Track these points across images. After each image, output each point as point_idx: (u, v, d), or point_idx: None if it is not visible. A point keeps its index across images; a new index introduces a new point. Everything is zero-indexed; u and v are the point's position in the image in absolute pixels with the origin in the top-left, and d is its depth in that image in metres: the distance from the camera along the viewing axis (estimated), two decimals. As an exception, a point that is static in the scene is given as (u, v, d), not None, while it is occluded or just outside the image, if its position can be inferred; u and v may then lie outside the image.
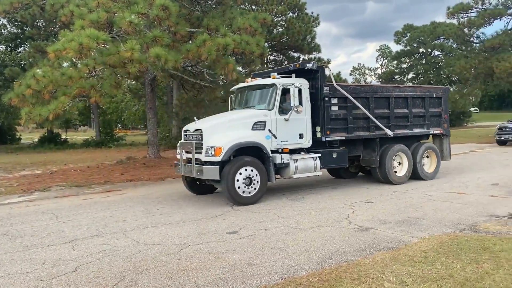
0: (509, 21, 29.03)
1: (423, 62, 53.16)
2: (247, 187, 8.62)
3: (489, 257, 4.89)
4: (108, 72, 13.47)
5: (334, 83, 9.98)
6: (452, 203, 8.26)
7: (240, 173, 8.53)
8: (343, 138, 10.17)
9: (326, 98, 9.80)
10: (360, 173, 12.66)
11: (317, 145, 9.88)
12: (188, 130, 9.50)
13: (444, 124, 12.19)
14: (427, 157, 11.82)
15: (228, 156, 8.47)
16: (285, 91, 9.36)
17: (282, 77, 9.69)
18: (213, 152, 8.43)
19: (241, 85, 10.57)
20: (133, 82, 28.83)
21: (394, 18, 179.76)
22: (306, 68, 9.72)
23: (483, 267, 4.57)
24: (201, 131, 8.85)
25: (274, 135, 9.15)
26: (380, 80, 67.20)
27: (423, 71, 52.57)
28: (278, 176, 9.51)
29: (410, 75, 55.73)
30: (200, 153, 8.74)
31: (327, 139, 9.83)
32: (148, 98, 17.33)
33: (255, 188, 8.72)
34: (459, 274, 4.40)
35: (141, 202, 9.52)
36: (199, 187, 10.10)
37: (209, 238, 6.20)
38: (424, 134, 11.89)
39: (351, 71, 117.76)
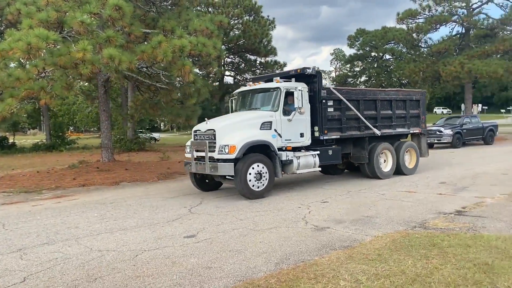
0: (454, 27, 30.72)
1: (375, 65, 54.86)
2: (257, 182, 9.39)
3: (438, 252, 5.11)
4: (59, 73, 12.96)
5: (331, 87, 11.05)
6: (403, 201, 8.58)
7: (252, 169, 9.28)
8: (338, 136, 11.17)
9: (324, 101, 10.76)
10: (345, 170, 13.67)
11: (315, 144, 10.79)
12: (199, 130, 10.18)
13: (422, 124, 13.40)
14: (408, 154, 12.92)
15: (242, 153, 9.14)
16: (288, 94, 10.20)
17: (284, 81, 10.52)
18: (227, 150, 9.12)
19: (244, 88, 11.50)
20: (86, 84, 27.93)
21: (347, 23, 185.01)
22: (306, 73, 10.65)
23: (432, 262, 4.77)
24: (214, 131, 9.51)
25: (279, 134, 9.97)
26: (334, 83, 68.73)
27: (375, 74, 54.27)
28: (283, 172, 10.17)
29: (363, 78, 57.42)
30: (213, 151, 9.40)
31: (324, 138, 10.84)
32: (101, 100, 16.83)
33: (264, 184, 9.49)
34: (411, 270, 4.57)
35: (94, 207, 9.22)
36: (206, 185, 10.81)
37: (166, 243, 6.10)
38: (405, 133, 13.10)
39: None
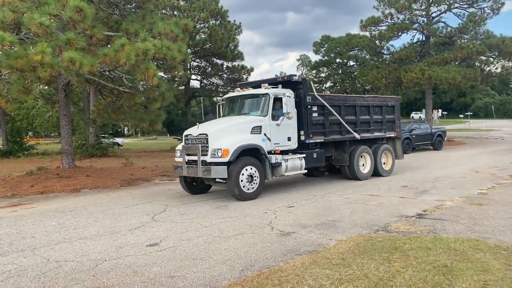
0: (415, 35, 31.68)
1: (340, 71, 55.83)
2: (249, 184, 9.74)
3: (399, 256, 5.20)
4: (16, 76, 12.47)
5: (315, 93, 11.60)
6: (366, 205, 8.71)
7: (243, 172, 9.62)
8: (322, 140, 11.71)
9: (309, 106, 11.28)
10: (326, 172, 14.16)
11: (300, 147, 11.24)
12: (190, 134, 10.33)
13: (397, 128, 14.19)
14: (385, 156, 13.59)
15: (235, 157, 9.44)
16: (276, 100, 10.64)
17: (272, 87, 10.89)
18: (220, 154, 9.40)
19: (232, 94, 11.90)
20: (46, 87, 26.99)
21: (313, 29, 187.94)
22: (293, 80, 11.12)
23: (394, 266, 4.84)
24: (207, 135, 9.77)
25: (268, 138, 10.38)
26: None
27: (340, 80, 55.22)
28: (273, 175, 10.50)
29: (328, 84, 58.29)
30: (205, 155, 9.65)
31: (310, 141, 11.31)
32: (62, 104, 16.29)
33: (254, 186, 9.86)
34: (373, 274, 4.62)
35: (53, 215, 8.87)
36: (196, 188, 11.07)
37: (128, 252, 5.92)
38: (382, 137, 13.72)
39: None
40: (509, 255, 5.06)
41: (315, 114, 11.50)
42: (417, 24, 30.43)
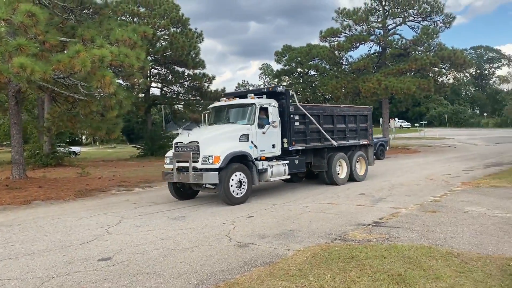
0: (372, 46, 32.60)
1: (301, 81, 56.66)
2: (238, 189, 10.24)
3: (355, 265, 5.23)
4: (-39, 82, 11.82)
5: (297, 103, 12.24)
6: (325, 213, 8.77)
7: (233, 178, 10.11)
8: (304, 147, 12.35)
9: (291, 116, 11.95)
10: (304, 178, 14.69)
11: (284, 154, 11.83)
12: (180, 142, 10.77)
13: (369, 136, 15.03)
14: (359, 163, 14.40)
15: (225, 163, 9.92)
16: (262, 109, 11.26)
17: (258, 97, 11.47)
18: (211, 160, 9.87)
19: (219, 104, 12.41)
20: (-4, 94, 25.73)
21: (274, 39, 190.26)
22: (277, 91, 11.86)
23: (350, 275, 4.86)
24: (198, 143, 10.24)
25: (255, 146, 10.93)
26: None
27: (301, 89, 56.05)
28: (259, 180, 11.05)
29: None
30: (196, 161, 10.10)
31: (292, 148, 11.93)
32: (12, 112, 15.57)
33: (243, 191, 10.37)
34: (329, 284, 4.62)
35: (-1, 230, 8.37)
36: (184, 193, 11.46)
37: (78, 267, 5.64)
38: (356, 144, 14.44)
39: (236, 87, 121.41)
40: (460, 262, 5.20)
41: (297, 123, 12.17)
42: (374, 36, 31.38)
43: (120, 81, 24.82)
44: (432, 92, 31.73)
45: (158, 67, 34.54)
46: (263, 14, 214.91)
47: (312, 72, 56.12)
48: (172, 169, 10.72)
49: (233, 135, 10.73)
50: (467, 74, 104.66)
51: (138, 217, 9.22)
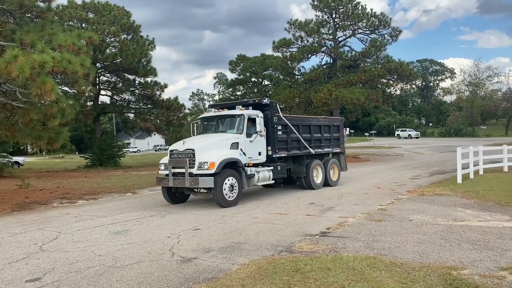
0: (323, 57, 33.23)
1: (255, 90, 56.91)
2: (230, 192, 11.12)
3: (300, 278, 5.10)
4: None
5: (281, 114, 13.29)
6: (274, 224, 8.65)
7: (226, 182, 10.97)
8: (286, 155, 13.33)
9: (275, 125, 12.90)
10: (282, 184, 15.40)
11: (268, 161, 12.77)
12: (176, 149, 11.54)
13: (342, 145, 16.28)
14: (333, 169, 15.39)
15: (220, 169, 10.73)
16: (249, 120, 12.17)
17: (245, 109, 12.53)
18: (207, 166, 10.66)
19: (208, 114, 13.40)
20: None
21: (229, 48, 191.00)
22: (262, 103, 12.87)
23: (293, 290, 4.71)
24: (193, 150, 11.01)
25: (244, 153, 11.78)
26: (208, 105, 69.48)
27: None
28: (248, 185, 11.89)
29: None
30: (192, 167, 10.85)
31: (276, 156, 12.89)
32: None
33: (234, 194, 11.24)
34: (272, 300, 4.45)
35: None
36: (176, 198, 12.16)
37: (1, 290, 5.16)
38: (330, 152, 15.60)
39: (190, 96, 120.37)
40: (402, 272, 5.20)
41: (280, 132, 13.08)
42: (325, 48, 32.00)
43: (66, 89, 23.91)
44: (381, 103, 32.74)
45: (108, 75, 33.53)
46: (218, 24, 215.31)
47: (266, 82, 56.55)
48: (167, 175, 11.38)
49: (225, 143, 11.60)
50: (413, 86, 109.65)
51: (77, 232, 8.69)
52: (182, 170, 11.03)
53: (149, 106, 33.68)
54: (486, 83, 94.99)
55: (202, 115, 13.69)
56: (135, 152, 70.07)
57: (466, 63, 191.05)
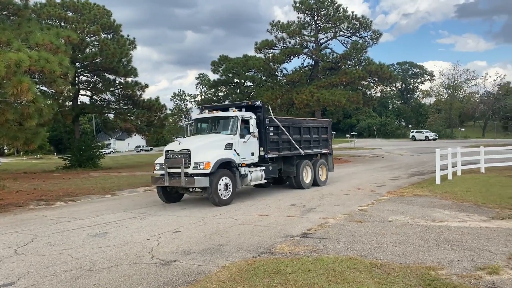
0: (305, 59, 33.45)
1: (238, 91, 56.87)
2: (225, 191, 11.42)
3: (280, 280, 5.08)
4: None
5: (272, 116, 13.68)
6: (255, 226, 8.61)
7: (220, 182, 11.27)
8: (277, 155, 13.70)
9: (267, 127, 13.26)
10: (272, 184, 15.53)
11: (260, 161, 13.08)
12: (171, 150, 11.79)
13: (329, 146, 16.70)
14: (321, 169, 15.81)
15: (215, 169, 11.04)
16: (243, 121, 12.48)
17: (239, 110, 12.76)
18: (202, 166, 10.95)
19: (202, 116, 13.64)
20: None
21: (211, 49, 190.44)
22: (255, 105, 13.14)
23: (274, 292, 4.69)
24: (189, 151, 11.28)
25: (237, 153, 12.10)
26: (200, 106, 69.18)
27: (238, 100, 56.25)
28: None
29: (227, 103, 58.93)
30: (188, 167, 11.14)
31: (268, 156, 13.22)
32: None
33: (229, 193, 11.55)
34: (252, 302, 4.41)
35: None
36: (171, 197, 12.40)
37: (-28, 296, 4.99)
38: (319, 153, 16.00)
39: (172, 96, 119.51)
40: (382, 273, 5.22)
41: (271, 134, 13.45)
42: (307, 49, 32.23)
43: (44, 88, 23.44)
44: (361, 105, 33.10)
45: (88, 74, 33.01)
46: (200, 24, 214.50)
47: (249, 83, 56.57)
48: (163, 175, 11.61)
49: (220, 144, 11.90)
50: (394, 88, 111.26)
51: (54, 234, 8.49)
52: (178, 170, 11.28)
53: (129, 106, 33.28)
54: (464, 86, 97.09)
55: (196, 116, 14.10)
56: (108, 153, 66.55)
57: (445, 66, 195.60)
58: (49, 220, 10.25)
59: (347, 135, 65.38)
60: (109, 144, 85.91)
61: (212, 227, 8.69)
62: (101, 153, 33.37)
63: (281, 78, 35.99)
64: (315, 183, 15.22)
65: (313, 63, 33.42)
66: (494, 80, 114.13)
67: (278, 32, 31.44)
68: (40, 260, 6.52)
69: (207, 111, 13.90)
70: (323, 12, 31.78)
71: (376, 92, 36.99)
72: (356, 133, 70.85)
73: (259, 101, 13.64)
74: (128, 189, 16.74)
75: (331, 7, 31.54)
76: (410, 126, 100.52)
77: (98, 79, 33.29)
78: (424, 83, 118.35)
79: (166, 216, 10.25)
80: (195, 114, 14.71)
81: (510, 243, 6.51)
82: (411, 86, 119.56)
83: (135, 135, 40.20)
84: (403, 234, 7.35)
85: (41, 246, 7.49)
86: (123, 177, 22.75)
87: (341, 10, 31.23)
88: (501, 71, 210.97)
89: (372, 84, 34.21)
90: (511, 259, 5.69)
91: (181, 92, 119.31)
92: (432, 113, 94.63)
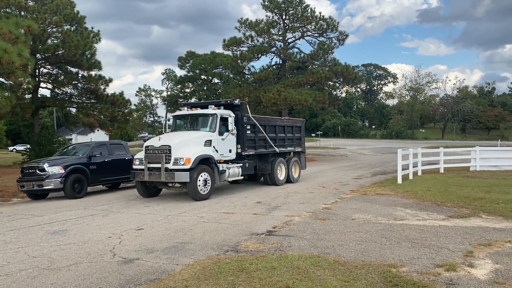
0: (273, 58, 33.55)
1: (205, 88, 56.37)
2: (204, 187, 11.77)
3: (245, 278, 5.06)
4: None
5: (250, 115, 14.09)
6: (220, 223, 8.56)
7: (200, 178, 11.57)
8: (253, 153, 14.12)
9: (245, 125, 13.61)
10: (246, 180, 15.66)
11: (237, 158, 13.45)
12: (151, 145, 11.94)
13: (302, 144, 17.28)
14: (294, 167, 16.31)
15: (195, 164, 11.39)
16: (222, 119, 12.81)
17: (218, 108, 13.08)
18: (183, 162, 11.26)
19: (181, 112, 13.96)
20: None
21: (178, 45, 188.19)
22: (234, 103, 13.55)
23: (238, 290, 4.66)
24: (170, 147, 11.53)
25: (216, 150, 12.42)
26: (165, 103, 68.13)
27: (205, 96, 55.78)
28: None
29: (193, 100, 58.36)
30: (168, 163, 11.41)
31: (245, 153, 13.63)
32: None
33: (207, 188, 11.90)
34: (216, 301, 4.37)
35: None
36: (150, 191, 12.62)
37: None
38: (292, 151, 16.45)
39: (137, 91, 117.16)
40: (345, 271, 5.30)
41: (248, 132, 13.84)
42: (274, 48, 32.32)
43: (2, 80, 22.44)
44: (327, 105, 33.56)
45: (49, 66, 31.77)
46: (166, 19, 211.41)
47: (216, 80, 56.18)
48: (142, 170, 11.80)
49: (199, 140, 12.19)
50: (358, 89, 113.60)
51: (10, 231, 8.15)
52: (158, 165, 11.52)
53: (92, 100, 32.29)
54: (425, 89, 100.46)
55: (174, 113, 14.56)
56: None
57: (408, 69, 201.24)
58: (5, 217, 9.84)
59: (312, 135, 66.21)
60: (70, 139, 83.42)
61: (177, 224, 8.57)
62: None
63: (248, 76, 35.97)
64: (289, 180, 15.68)
65: (280, 62, 33.58)
66: (454, 83, 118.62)
67: (247, 30, 31.39)
68: (-6, 258, 6.23)
69: (186, 108, 14.14)
70: (291, 11, 31.97)
71: (341, 93, 37.61)
72: (321, 132, 71.94)
73: (237, 100, 14.01)
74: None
75: (299, 7, 31.78)
76: (373, 126, 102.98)
77: (60, 71, 32.08)
78: (387, 85, 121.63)
79: (129, 213, 10.04)
80: (161, 110, 14.89)
81: (467, 241, 6.76)
82: (375, 88, 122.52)
83: (98, 130, 39.12)
84: (366, 232, 7.50)
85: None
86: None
87: (309, 10, 31.53)
88: (460, 75, 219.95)
89: (337, 84, 34.73)
90: (468, 256, 5.90)
91: (147, 87, 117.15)
92: (395, 114, 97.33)
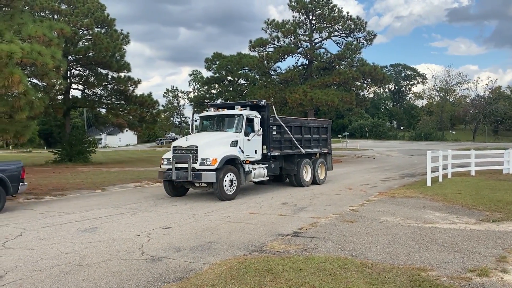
0: (299, 58, 33.44)
1: (231, 89, 56.70)
2: (230, 187, 11.88)
3: (271, 278, 5.07)
4: None
5: (276, 116, 14.13)
6: (246, 224, 8.59)
7: (226, 178, 11.69)
8: (279, 153, 14.13)
9: (271, 126, 13.70)
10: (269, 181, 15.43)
11: (263, 159, 13.55)
12: (179, 146, 12.19)
13: (329, 146, 17.15)
14: (320, 168, 16.19)
15: (221, 165, 11.48)
16: (248, 120, 12.93)
17: (243, 109, 13.24)
18: (209, 162, 11.38)
19: (208, 113, 14.24)
20: None
21: (205, 46, 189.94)
22: (260, 104, 13.63)
23: (264, 290, 4.67)
24: (197, 147, 11.70)
25: (242, 151, 12.52)
26: (192, 104, 68.85)
27: (231, 97, 56.11)
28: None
29: (220, 100, 58.79)
30: (195, 163, 11.59)
31: (270, 154, 13.68)
32: None
33: (233, 189, 12.01)
34: (243, 300, 4.39)
35: None
36: (177, 191, 12.85)
37: (-41, 289, 4.92)
38: (318, 152, 16.37)
39: (165, 93, 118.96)
40: (373, 273, 5.23)
41: (274, 133, 13.86)
42: (301, 49, 32.21)
43: (36, 81, 23.17)
44: (354, 105, 33.18)
45: (80, 68, 32.72)
46: (193, 21, 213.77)
47: (242, 81, 56.40)
48: (170, 169, 12.04)
49: (225, 141, 12.31)
50: (386, 90, 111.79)
51: (43, 228, 8.41)
52: (185, 165, 11.67)
53: (121, 101, 33.03)
54: (455, 89, 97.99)
55: (201, 114, 14.67)
56: (104, 147, 61.05)
57: (437, 69, 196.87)
58: (39, 214, 10.14)
59: (339, 136, 65.59)
60: (100, 139, 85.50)
61: (203, 224, 8.66)
62: (93, 150, 33.18)
63: (274, 76, 35.97)
64: (314, 181, 15.58)
65: (307, 63, 33.45)
66: (486, 84, 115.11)
67: (273, 31, 31.42)
68: (28, 254, 6.44)
69: (212, 109, 14.32)
70: (318, 11, 31.79)
71: (369, 93, 37.18)
72: (348, 133, 71.16)
73: (263, 100, 14.04)
74: (119, 185, 16.63)
75: (326, 7, 31.56)
76: (401, 128, 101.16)
77: (90, 73, 32.98)
78: (416, 86, 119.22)
79: (157, 212, 10.20)
80: (188, 110, 15.20)
81: (500, 246, 6.56)
82: (403, 88, 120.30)
83: (126, 130, 39.95)
84: (394, 235, 7.38)
85: (30, 240, 7.40)
86: (114, 172, 22.61)
87: (336, 10, 31.28)
88: (492, 76, 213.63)
89: (365, 85, 34.32)
90: (501, 262, 5.73)
91: (174, 88, 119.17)
92: (424, 116, 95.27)
